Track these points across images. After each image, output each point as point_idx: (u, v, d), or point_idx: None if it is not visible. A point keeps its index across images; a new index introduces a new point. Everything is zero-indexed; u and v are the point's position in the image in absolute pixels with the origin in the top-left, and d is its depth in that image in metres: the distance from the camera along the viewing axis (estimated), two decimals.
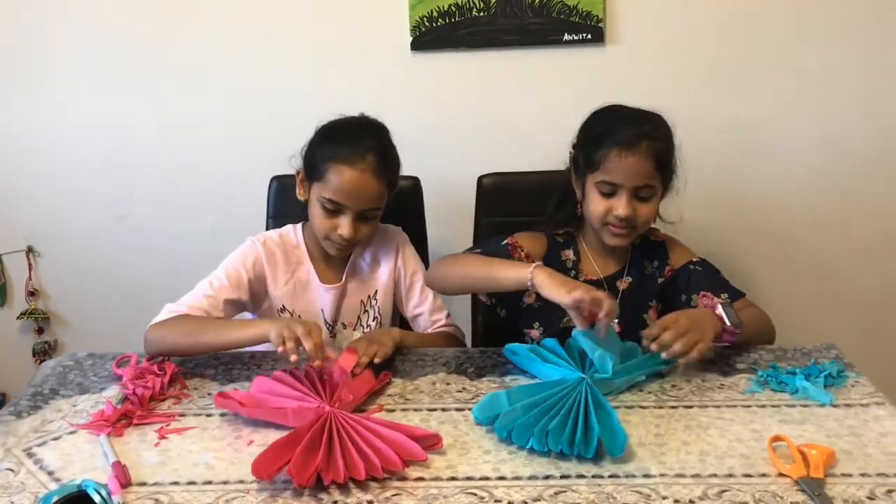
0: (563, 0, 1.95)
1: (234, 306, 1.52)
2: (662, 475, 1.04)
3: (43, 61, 2.09)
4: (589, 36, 1.97)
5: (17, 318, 2.29)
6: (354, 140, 1.50)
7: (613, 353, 1.26)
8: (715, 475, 1.04)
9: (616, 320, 1.29)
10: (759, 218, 2.11)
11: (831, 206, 2.09)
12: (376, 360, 1.34)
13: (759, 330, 1.44)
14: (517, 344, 1.40)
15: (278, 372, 1.29)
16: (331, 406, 1.17)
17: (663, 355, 1.27)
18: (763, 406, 1.22)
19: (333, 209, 1.50)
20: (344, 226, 1.50)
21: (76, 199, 2.19)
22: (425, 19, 1.98)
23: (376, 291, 1.63)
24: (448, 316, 1.63)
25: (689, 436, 1.14)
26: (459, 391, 1.30)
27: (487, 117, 2.07)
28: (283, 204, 1.81)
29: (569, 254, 1.57)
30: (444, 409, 1.23)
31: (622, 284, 1.56)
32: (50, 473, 1.07)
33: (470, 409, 1.22)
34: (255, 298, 1.56)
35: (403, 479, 1.05)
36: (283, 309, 1.57)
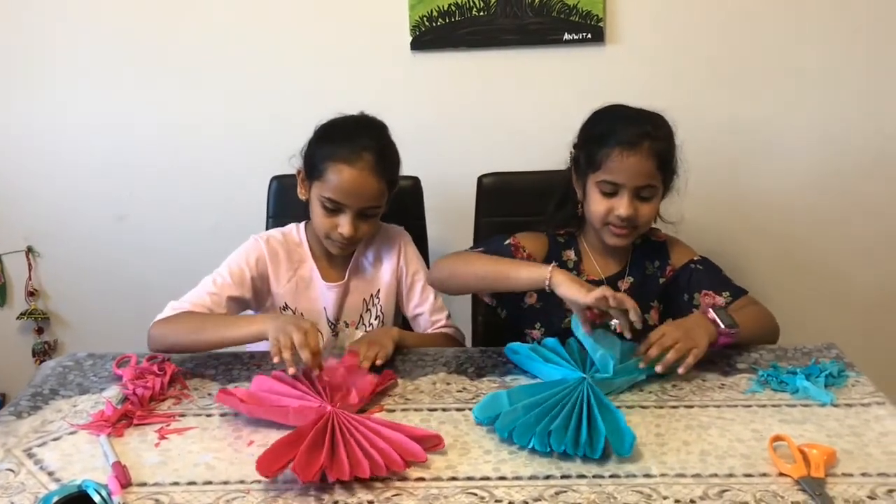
0: None
1: (238, 304, 1.52)
2: (663, 475, 1.04)
3: (43, 61, 2.09)
4: (589, 35, 1.97)
5: (17, 318, 2.29)
6: (353, 139, 1.50)
7: (614, 352, 1.27)
8: (716, 475, 1.04)
9: (616, 321, 1.29)
10: (758, 218, 2.11)
11: (831, 205, 2.09)
12: (378, 362, 1.35)
13: (760, 328, 1.44)
14: (518, 343, 1.40)
15: (278, 371, 1.29)
16: (332, 406, 1.17)
17: (658, 369, 1.27)
18: (764, 406, 1.22)
19: (333, 208, 1.50)
20: (344, 224, 1.50)
21: (76, 199, 2.19)
22: (425, 19, 1.98)
23: (379, 290, 1.63)
24: (448, 317, 1.64)
25: (690, 435, 1.14)
26: (460, 391, 1.30)
27: (487, 117, 2.07)
28: (284, 204, 1.81)
29: (570, 254, 1.57)
30: (444, 409, 1.23)
31: (623, 284, 1.55)
32: (50, 474, 1.07)
33: (470, 409, 1.21)
34: (257, 296, 1.56)
35: (404, 479, 1.04)
36: (286, 307, 1.57)
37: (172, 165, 2.15)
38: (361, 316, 1.62)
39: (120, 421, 1.20)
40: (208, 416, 1.23)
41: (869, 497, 0.99)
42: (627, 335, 1.28)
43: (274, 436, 1.13)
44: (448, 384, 1.32)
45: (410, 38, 2.00)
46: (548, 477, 1.04)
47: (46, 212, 2.21)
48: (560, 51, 2.00)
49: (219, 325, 1.39)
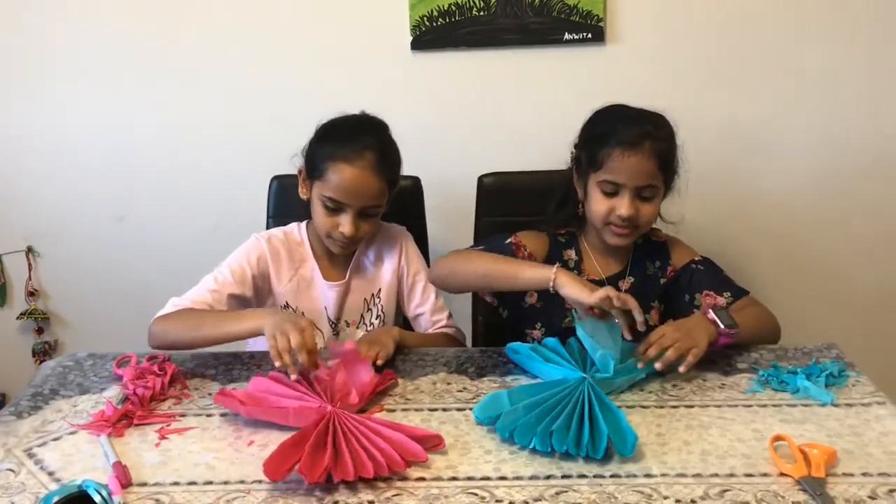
0: None
1: (238, 302, 1.52)
2: (664, 475, 1.04)
3: (43, 61, 2.09)
4: (589, 35, 1.97)
5: (17, 318, 2.29)
6: (354, 138, 1.50)
7: (615, 352, 1.27)
8: (716, 475, 1.04)
9: (615, 321, 1.30)
10: (758, 218, 2.11)
11: (831, 205, 2.09)
12: (378, 362, 1.35)
13: (761, 328, 1.44)
14: (518, 343, 1.40)
15: (275, 372, 1.29)
16: (333, 406, 1.17)
17: (657, 366, 1.28)
18: (764, 405, 1.22)
19: (334, 207, 1.50)
20: (345, 224, 1.50)
21: (76, 199, 2.19)
22: (425, 19, 1.98)
23: (380, 290, 1.63)
24: (449, 317, 1.64)
25: (691, 435, 1.14)
26: (460, 391, 1.30)
27: (488, 117, 2.07)
28: (284, 204, 1.81)
29: (571, 253, 1.57)
30: (444, 409, 1.23)
31: (624, 284, 1.55)
32: (50, 474, 1.07)
33: (471, 409, 1.21)
34: (258, 295, 1.56)
35: (405, 479, 1.04)
36: (287, 306, 1.57)
37: (172, 165, 2.15)
38: (362, 315, 1.62)
39: (120, 421, 1.20)
40: (209, 416, 1.23)
41: (870, 497, 0.99)
42: (628, 336, 1.28)
43: (275, 436, 1.13)
44: (448, 384, 1.32)
45: (411, 38, 2.00)
46: (548, 477, 1.04)
47: (46, 212, 2.21)
48: (560, 51, 2.00)
49: (216, 320, 1.40)
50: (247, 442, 1.14)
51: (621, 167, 1.42)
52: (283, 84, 2.08)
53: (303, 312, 1.57)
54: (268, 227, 1.78)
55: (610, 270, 1.56)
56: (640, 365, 1.29)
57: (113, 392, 1.29)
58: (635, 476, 1.04)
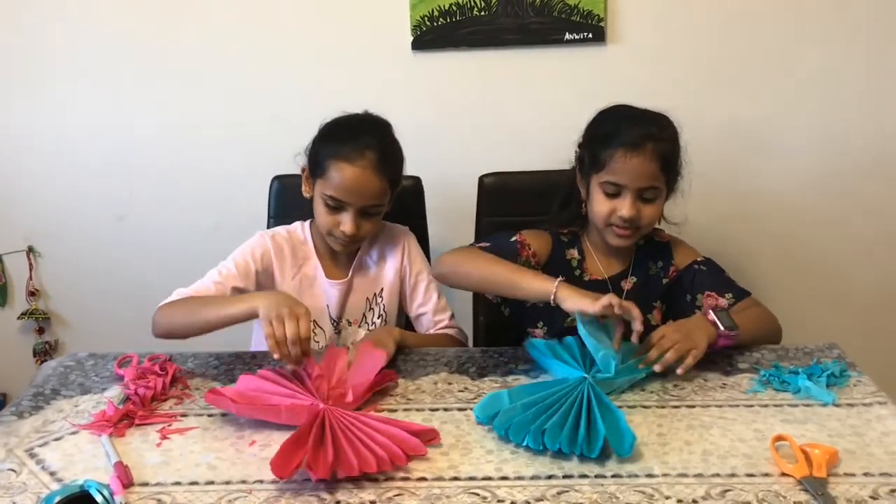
0: None
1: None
2: (665, 475, 1.04)
3: (43, 61, 2.09)
4: (590, 35, 1.97)
5: (18, 318, 2.29)
6: (356, 137, 1.50)
7: (617, 353, 1.27)
8: (718, 475, 1.04)
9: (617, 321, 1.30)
10: (758, 218, 2.11)
11: (832, 205, 2.10)
12: (381, 364, 1.34)
13: (762, 329, 1.44)
14: (539, 339, 1.40)
15: (263, 370, 1.30)
16: (325, 404, 1.17)
17: (656, 368, 1.28)
18: (765, 405, 1.22)
19: (335, 206, 1.50)
20: (346, 222, 1.50)
21: (76, 199, 2.19)
22: (426, 19, 1.98)
23: (382, 289, 1.63)
24: (451, 317, 1.64)
25: (692, 435, 1.14)
26: (461, 391, 1.30)
27: (488, 117, 2.07)
28: (285, 204, 1.81)
29: (573, 253, 1.57)
30: (446, 409, 1.23)
31: (627, 284, 1.55)
32: (52, 474, 1.07)
33: (472, 409, 1.21)
34: (261, 290, 1.56)
35: (406, 478, 1.04)
36: None
37: (172, 165, 2.15)
38: (364, 315, 1.62)
39: (121, 421, 1.20)
40: (210, 416, 1.22)
41: (871, 497, 0.99)
42: (634, 339, 1.28)
43: (276, 436, 1.13)
44: (450, 384, 1.32)
45: (411, 38, 2.00)
46: (550, 477, 1.04)
47: (47, 212, 2.21)
48: (561, 51, 2.00)
49: (214, 304, 1.40)
50: (248, 442, 1.14)
51: (623, 168, 1.42)
52: (283, 84, 2.08)
53: None
54: (268, 228, 1.78)
55: (612, 270, 1.56)
56: (640, 365, 1.29)
57: (114, 392, 1.29)
58: (637, 476, 1.04)
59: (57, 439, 1.16)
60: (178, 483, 1.05)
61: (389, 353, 1.38)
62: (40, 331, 2.31)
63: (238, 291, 1.50)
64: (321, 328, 1.58)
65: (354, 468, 1.02)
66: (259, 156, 2.07)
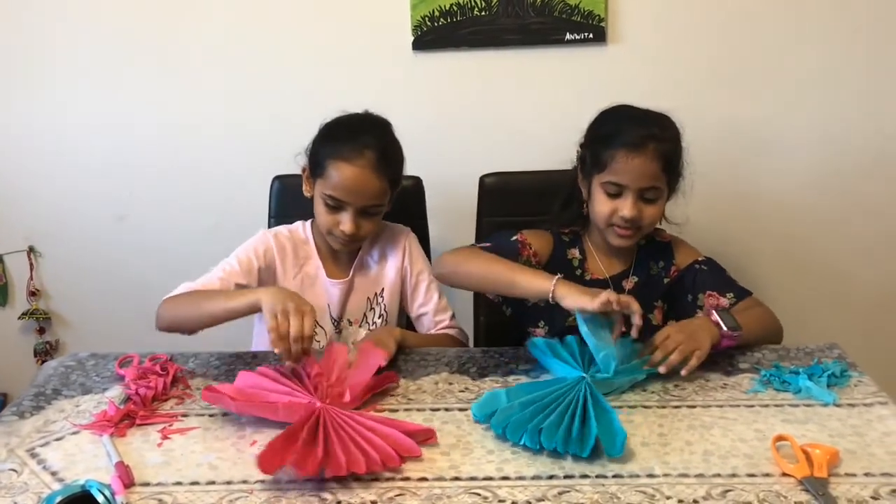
0: None
1: None
2: (666, 475, 1.04)
3: (43, 61, 2.09)
4: (591, 35, 1.97)
5: (19, 318, 2.29)
6: (355, 137, 1.50)
7: (619, 353, 1.27)
8: (718, 475, 1.04)
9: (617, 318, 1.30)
10: (759, 217, 2.12)
11: (832, 205, 2.10)
12: (381, 363, 1.34)
13: (764, 329, 1.44)
14: (540, 339, 1.40)
15: (262, 367, 1.30)
16: (322, 403, 1.18)
17: (661, 370, 1.27)
18: (766, 406, 1.22)
19: (335, 205, 1.50)
20: (345, 222, 1.50)
21: (77, 199, 2.19)
22: (427, 19, 1.98)
23: (383, 289, 1.63)
24: (452, 318, 1.64)
25: (693, 435, 1.14)
26: (462, 391, 1.30)
27: (489, 117, 2.07)
28: (286, 204, 1.81)
29: (575, 252, 1.57)
30: (446, 409, 1.23)
31: (628, 284, 1.56)
32: (53, 474, 1.07)
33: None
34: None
35: (407, 478, 1.05)
36: None
37: (172, 165, 2.15)
38: (365, 314, 1.62)
39: (122, 421, 1.20)
40: (211, 416, 1.22)
41: (872, 497, 0.99)
42: (634, 334, 1.28)
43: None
44: (450, 384, 1.32)
45: (412, 38, 2.00)
46: (551, 477, 1.05)
47: (47, 212, 2.21)
48: (562, 51, 2.00)
49: (217, 296, 1.41)
50: (249, 442, 1.14)
51: (625, 169, 1.42)
52: (283, 84, 2.08)
53: None
54: (269, 227, 1.78)
55: (614, 270, 1.56)
56: (645, 367, 1.29)
57: (115, 392, 1.29)
58: (638, 476, 1.04)
59: (58, 439, 1.16)
60: (179, 483, 1.05)
61: (390, 352, 1.38)
62: (41, 331, 2.31)
63: (241, 287, 1.50)
64: (322, 328, 1.58)
65: (342, 468, 1.02)
66: (259, 156, 2.07)
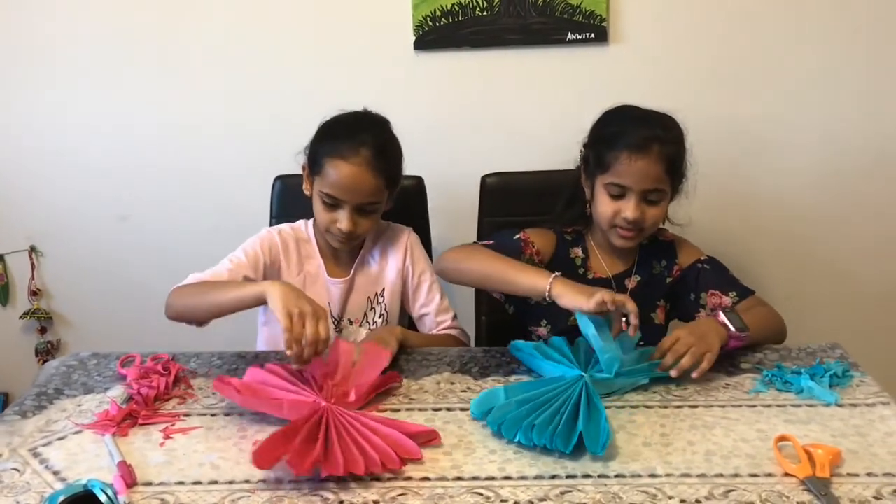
0: None
1: None
2: (668, 475, 1.04)
3: (43, 61, 2.09)
4: (592, 35, 1.98)
5: (20, 317, 2.29)
6: (351, 135, 1.50)
7: (624, 356, 1.27)
8: (721, 475, 1.04)
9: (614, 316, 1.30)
10: (760, 217, 2.12)
11: (833, 205, 2.10)
12: (386, 363, 1.34)
13: (768, 329, 1.44)
14: (521, 341, 1.40)
15: (271, 364, 1.30)
16: (327, 402, 1.17)
17: (672, 373, 1.27)
18: (768, 406, 1.22)
19: (332, 203, 1.51)
20: (342, 219, 1.50)
21: (77, 199, 2.19)
22: (428, 19, 1.98)
23: (384, 289, 1.63)
24: (454, 318, 1.64)
25: (695, 435, 1.14)
26: (464, 391, 1.30)
27: (490, 117, 2.07)
28: (287, 203, 1.81)
29: (577, 251, 1.57)
30: (448, 409, 1.23)
31: (630, 283, 1.56)
32: (55, 473, 1.07)
33: None
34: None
35: (409, 478, 1.05)
36: None
37: (173, 166, 2.15)
38: (365, 314, 1.62)
39: (125, 420, 1.19)
40: (213, 415, 1.22)
41: (874, 497, 0.99)
42: (631, 333, 1.28)
43: None
44: (452, 384, 1.32)
45: (414, 38, 2.00)
46: (553, 477, 1.05)
47: (48, 212, 2.21)
48: (563, 51, 2.00)
49: (225, 288, 1.41)
50: (252, 441, 1.14)
51: (628, 170, 1.42)
52: (283, 84, 2.08)
53: None
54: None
55: (616, 269, 1.56)
56: (658, 369, 1.29)
57: (117, 392, 1.29)
58: (640, 476, 1.04)
59: (60, 439, 1.16)
60: (181, 483, 1.05)
61: (392, 351, 1.38)
62: (42, 330, 2.31)
63: (248, 280, 1.50)
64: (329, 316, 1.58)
65: (340, 467, 1.02)
66: (259, 156, 2.07)
